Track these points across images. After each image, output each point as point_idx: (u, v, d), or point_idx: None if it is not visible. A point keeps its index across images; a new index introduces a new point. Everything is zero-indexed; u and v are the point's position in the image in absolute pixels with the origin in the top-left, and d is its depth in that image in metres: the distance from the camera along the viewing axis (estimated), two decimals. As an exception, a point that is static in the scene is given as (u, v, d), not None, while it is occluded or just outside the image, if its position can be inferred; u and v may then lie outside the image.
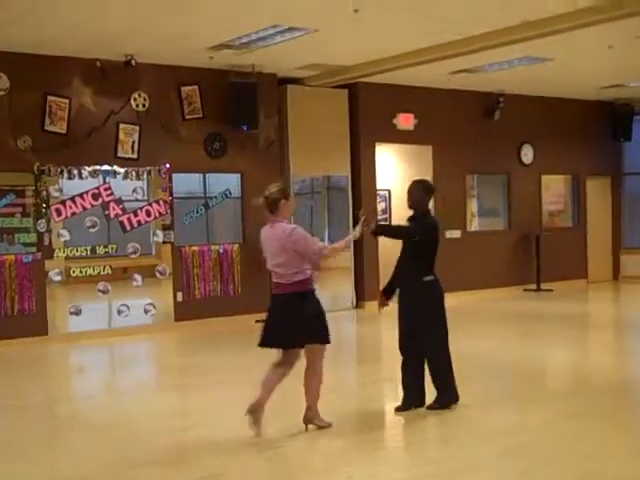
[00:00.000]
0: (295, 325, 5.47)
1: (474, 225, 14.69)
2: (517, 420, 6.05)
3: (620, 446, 5.37)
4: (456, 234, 14.02)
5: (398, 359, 6.36)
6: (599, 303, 14.35)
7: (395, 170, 14.06)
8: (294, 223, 12.13)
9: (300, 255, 5.47)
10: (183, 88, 11.28)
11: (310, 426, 5.72)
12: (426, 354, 6.15)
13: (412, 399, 6.22)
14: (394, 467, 5.15)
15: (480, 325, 11.21)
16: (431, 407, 6.14)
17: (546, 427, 5.83)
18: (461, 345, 9.44)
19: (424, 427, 5.96)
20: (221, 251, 11.69)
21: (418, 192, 6.18)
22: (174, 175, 11.22)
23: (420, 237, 6.01)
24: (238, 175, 11.91)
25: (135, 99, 10.86)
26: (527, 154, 15.08)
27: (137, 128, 10.87)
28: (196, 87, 11.35)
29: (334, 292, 12.37)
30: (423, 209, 6.17)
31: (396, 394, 6.38)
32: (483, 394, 7.02)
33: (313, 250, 5.50)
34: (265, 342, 5.66)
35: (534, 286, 14.77)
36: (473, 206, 14.74)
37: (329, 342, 5.61)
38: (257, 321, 11.55)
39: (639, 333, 10.80)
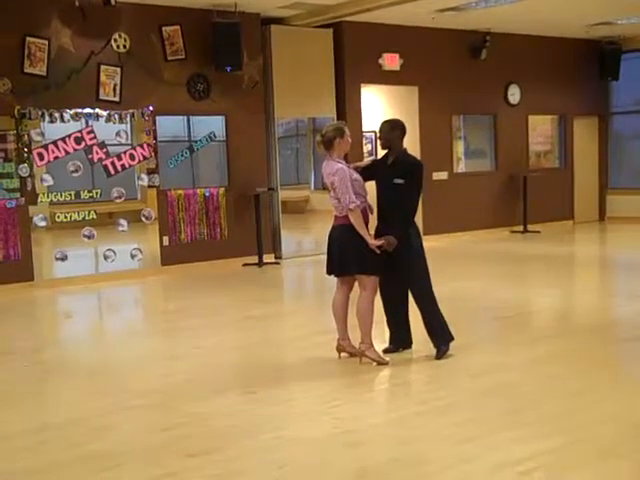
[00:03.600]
0: (344, 255, 5.87)
1: (460, 166, 14.63)
2: (502, 361, 6.09)
3: (605, 385, 5.42)
4: (443, 176, 13.97)
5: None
6: (585, 244, 14.41)
7: (381, 112, 13.92)
8: (280, 164, 12.08)
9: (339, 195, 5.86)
10: (165, 28, 11.06)
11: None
12: (417, 298, 6.17)
13: (399, 340, 6.25)
14: (379, 409, 5.19)
15: (466, 267, 11.24)
16: (439, 356, 6.17)
17: (531, 367, 5.88)
18: (447, 287, 9.49)
19: (409, 370, 5.99)
20: (207, 194, 11.61)
21: (387, 131, 6.10)
22: (158, 118, 11.06)
23: (405, 179, 5.95)
24: (222, 117, 11.76)
25: (116, 40, 10.65)
26: (514, 94, 14.96)
27: (118, 70, 10.68)
28: (178, 27, 11.13)
29: (316, 236, 12.33)
30: (398, 148, 6.09)
31: (384, 336, 6.40)
32: (469, 336, 7.05)
33: (344, 199, 5.80)
34: (329, 270, 6.08)
35: (521, 227, 14.80)
36: (459, 147, 14.66)
37: (376, 274, 5.91)
38: (245, 264, 11.64)
39: (624, 273, 10.86)
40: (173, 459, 4.35)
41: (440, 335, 6.17)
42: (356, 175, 5.91)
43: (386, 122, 6.18)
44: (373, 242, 5.81)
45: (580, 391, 5.25)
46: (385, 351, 6.17)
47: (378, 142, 6.27)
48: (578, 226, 15.85)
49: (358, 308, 6.00)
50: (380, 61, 13.08)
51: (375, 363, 5.92)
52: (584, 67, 15.65)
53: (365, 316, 5.95)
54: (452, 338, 6.20)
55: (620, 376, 5.74)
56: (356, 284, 6.09)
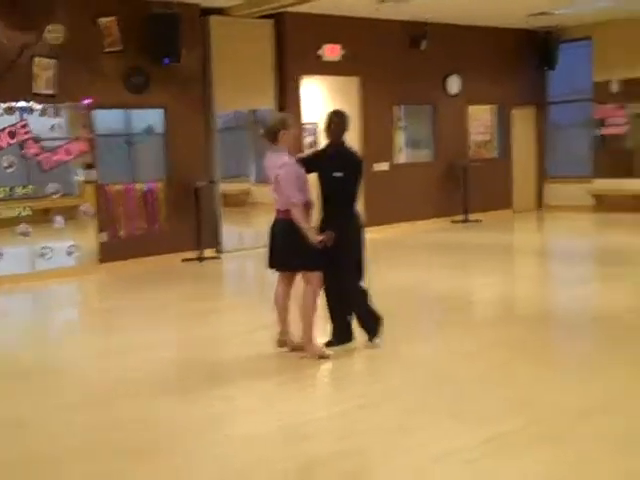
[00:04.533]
0: (286, 250, 5.85)
1: (401, 157, 14.68)
2: (445, 350, 6.12)
3: (546, 372, 5.48)
4: (384, 166, 14.00)
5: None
6: (524, 233, 14.61)
7: (322, 103, 13.87)
8: (220, 157, 11.93)
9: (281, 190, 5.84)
10: (101, 19, 10.81)
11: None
12: (345, 291, 6.13)
13: (340, 334, 6.21)
14: (322, 403, 5.16)
15: (408, 257, 11.30)
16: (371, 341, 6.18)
17: (474, 356, 5.92)
18: (389, 278, 9.54)
19: (351, 362, 5.97)
20: (146, 189, 11.42)
21: (338, 123, 6.05)
22: (95, 111, 10.83)
23: (344, 174, 5.91)
24: (161, 110, 11.58)
25: (50, 31, 10.36)
26: (453, 84, 15.05)
27: (53, 62, 10.40)
28: (114, 18, 10.88)
29: (258, 229, 12.22)
30: (339, 140, 6.05)
31: (326, 329, 6.37)
32: (411, 326, 7.09)
33: (287, 195, 5.74)
34: (271, 264, 6.04)
35: (462, 217, 14.92)
36: (400, 138, 14.70)
37: (319, 269, 5.87)
38: (184, 260, 11.49)
39: (562, 261, 11.02)
40: (113, 459, 4.26)
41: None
42: (301, 170, 5.84)
43: (336, 114, 6.12)
44: (315, 237, 5.75)
45: (523, 379, 5.30)
46: (327, 344, 6.13)
47: (324, 133, 6.14)
48: (517, 215, 16.05)
49: (301, 303, 5.96)
50: (320, 52, 13.02)
51: (316, 357, 5.88)
52: (522, 57, 15.83)
53: (308, 311, 5.92)
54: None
55: (561, 363, 5.81)
56: (298, 278, 6.05)
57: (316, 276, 5.89)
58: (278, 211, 5.91)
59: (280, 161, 5.80)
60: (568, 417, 4.55)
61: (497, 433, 4.30)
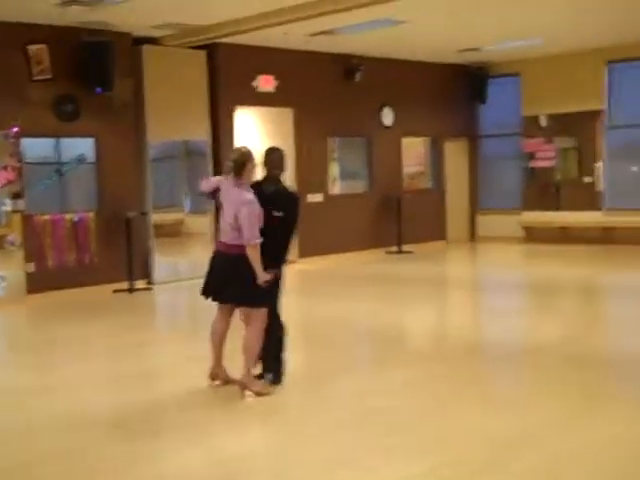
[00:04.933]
0: (235, 285, 5.73)
1: (336, 188, 14.74)
2: (378, 384, 6.10)
3: (477, 405, 5.49)
4: (318, 198, 14.04)
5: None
6: (457, 264, 14.79)
7: (256, 133, 13.88)
8: (153, 189, 11.81)
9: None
10: (30, 47, 10.62)
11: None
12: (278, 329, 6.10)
13: (277, 372, 6.09)
14: (255, 438, 5.07)
15: (341, 289, 11.28)
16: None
17: (407, 389, 5.91)
18: (321, 310, 9.52)
19: (285, 398, 5.87)
20: (76, 219, 11.20)
21: (279, 160, 6.01)
22: (24, 140, 10.60)
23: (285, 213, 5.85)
24: (92, 139, 11.41)
25: (-24, 58, 10.18)
26: (387, 116, 15.22)
27: (-20, 89, 10.20)
28: (44, 46, 10.71)
29: (192, 259, 12.11)
30: (279, 178, 6.00)
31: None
32: (343, 358, 7.05)
33: (248, 233, 5.65)
34: (207, 292, 5.94)
35: (396, 248, 15.01)
36: (335, 169, 14.77)
37: (266, 306, 5.81)
38: (115, 291, 11.28)
39: (493, 293, 11.16)
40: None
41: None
42: (260, 210, 5.72)
43: (276, 150, 6.05)
44: (264, 276, 5.67)
45: (453, 412, 5.31)
46: (257, 377, 6.03)
47: (260, 168, 5.98)
48: (450, 246, 16.24)
49: (246, 340, 5.81)
50: (254, 83, 13.04)
51: (260, 395, 5.77)
52: (454, 91, 16.11)
53: (253, 348, 5.81)
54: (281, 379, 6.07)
55: (491, 395, 5.84)
56: (236, 312, 5.95)
57: (262, 313, 5.80)
58: (225, 244, 5.79)
59: (243, 197, 5.69)
60: (497, 449, 4.56)
61: (428, 467, 4.29)
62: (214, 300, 5.96)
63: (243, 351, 5.82)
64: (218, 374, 6.03)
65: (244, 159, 5.77)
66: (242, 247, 5.66)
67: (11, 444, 5.04)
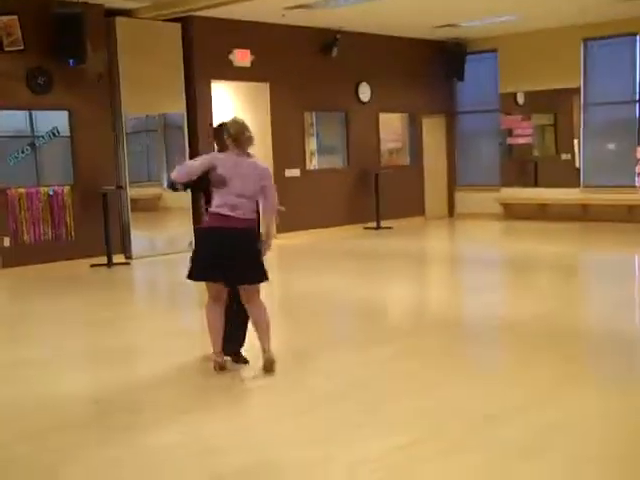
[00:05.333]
0: (247, 263, 5.45)
1: (313, 163, 14.67)
2: (357, 359, 6.06)
3: (456, 379, 5.48)
4: (295, 173, 13.96)
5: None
6: (435, 240, 14.79)
7: (232, 108, 13.74)
8: (130, 163, 11.68)
9: (257, 196, 5.54)
10: (0, 18, 10.42)
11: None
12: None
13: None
14: (232, 415, 5.01)
15: (320, 265, 11.24)
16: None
17: (386, 364, 5.88)
18: (300, 285, 9.48)
19: (262, 374, 5.80)
20: (51, 193, 11.06)
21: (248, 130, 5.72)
22: (-4, 113, 10.44)
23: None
24: (66, 112, 11.23)
25: (-54, 28, 9.97)
26: (364, 92, 15.13)
27: (-51, 61, 10.01)
28: (15, 17, 10.50)
29: (170, 234, 12.03)
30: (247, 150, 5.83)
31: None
32: (323, 334, 7.02)
33: (273, 200, 5.59)
34: (203, 274, 5.52)
35: (374, 224, 14.99)
36: (312, 144, 14.69)
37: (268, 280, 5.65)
38: (93, 265, 11.17)
39: (471, 267, 11.17)
40: (18, 476, 4.04)
41: None
42: None
43: (242, 122, 5.69)
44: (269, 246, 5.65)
45: (433, 387, 5.29)
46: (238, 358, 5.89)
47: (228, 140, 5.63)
48: (429, 222, 16.25)
49: (261, 316, 5.60)
50: (231, 57, 12.89)
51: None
52: (432, 67, 16.03)
53: (269, 322, 5.64)
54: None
55: (470, 370, 5.83)
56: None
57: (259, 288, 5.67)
58: (235, 219, 5.40)
59: (263, 166, 5.61)
60: (475, 423, 4.55)
61: (406, 441, 4.26)
62: (214, 281, 5.54)
63: (262, 328, 5.58)
64: (224, 363, 5.70)
65: (244, 129, 5.53)
66: (254, 221, 5.53)
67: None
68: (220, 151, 5.73)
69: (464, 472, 3.91)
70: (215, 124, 6.02)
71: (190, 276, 5.55)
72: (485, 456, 4.08)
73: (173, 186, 5.64)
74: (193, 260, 5.53)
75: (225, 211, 5.40)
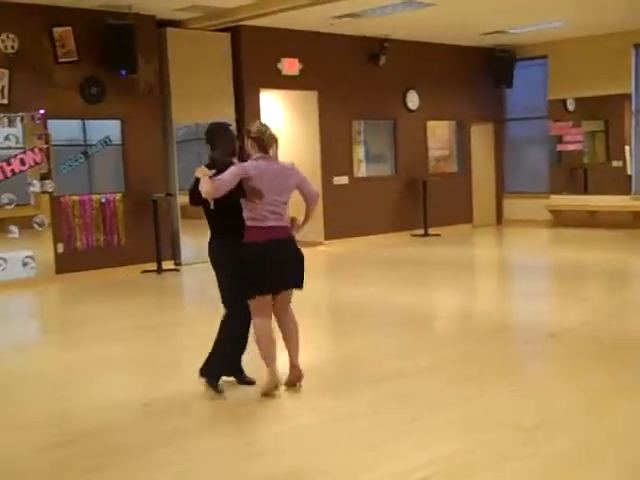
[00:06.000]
0: (296, 268, 5.38)
1: (361, 171, 14.71)
2: (404, 366, 6.06)
3: (503, 388, 5.45)
4: (343, 180, 14.01)
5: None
6: (483, 247, 14.71)
7: (281, 116, 13.88)
8: (180, 171, 11.79)
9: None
10: (55, 29, 10.69)
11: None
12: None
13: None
14: (280, 419, 5.08)
15: (367, 272, 11.27)
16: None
17: (432, 372, 5.87)
18: (347, 292, 9.52)
19: (309, 378, 5.85)
20: (103, 200, 11.29)
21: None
22: (52, 122, 10.67)
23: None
24: (118, 121, 11.46)
25: (3, 41, 10.23)
26: (413, 100, 15.14)
27: (7, 72, 10.25)
28: (70, 28, 10.78)
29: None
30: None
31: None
32: (370, 341, 7.04)
33: (310, 188, 5.46)
34: (269, 287, 5.28)
35: (421, 231, 14.97)
36: (360, 152, 14.74)
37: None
38: (144, 271, 11.35)
39: (520, 275, 11.10)
40: (65, 477, 4.15)
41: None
42: None
43: (262, 122, 5.55)
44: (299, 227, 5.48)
45: (479, 395, 5.27)
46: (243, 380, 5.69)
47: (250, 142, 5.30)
48: (477, 229, 16.16)
49: (295, 325, 5.48)
50: (279, 66, 13.02)
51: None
52: (480, 75, 15.97)
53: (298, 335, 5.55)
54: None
55: (517, 379, 5.80)
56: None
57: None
58: (283, 228, 5.26)
59: (290, 164, 5.40)
60: (521, 434, 4.53)
61: (452, 450, 4.26)
62: (276, 292, 5.36)
63: (295, 342, 5.46)
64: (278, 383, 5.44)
65: (266, 128, 5.32)
66: (290, 228, 5.35)
67: (47, 423, 5.09)
68: (241, 159, 5.48)
69: (510, 481, 3.90)
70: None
71: (253, 293, 5.26)
72: (535, 467, 4.05)
73: (199, 200, 5.18)
74: (252, 277, 5.21)
75: (272, 222, 5.20)
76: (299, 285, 5.42)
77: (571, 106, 15.72)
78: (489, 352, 6.47)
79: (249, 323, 5.43)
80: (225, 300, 5.46)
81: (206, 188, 5.02)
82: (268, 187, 5.16)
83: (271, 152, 5.26)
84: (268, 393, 5.28)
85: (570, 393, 5.27)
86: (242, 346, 5.56)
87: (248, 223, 5.23)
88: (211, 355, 5.50)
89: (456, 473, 4.01)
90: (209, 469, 4.20)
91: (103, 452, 4.48)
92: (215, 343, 5.49)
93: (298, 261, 5.37)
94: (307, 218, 5.49)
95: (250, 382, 5.56)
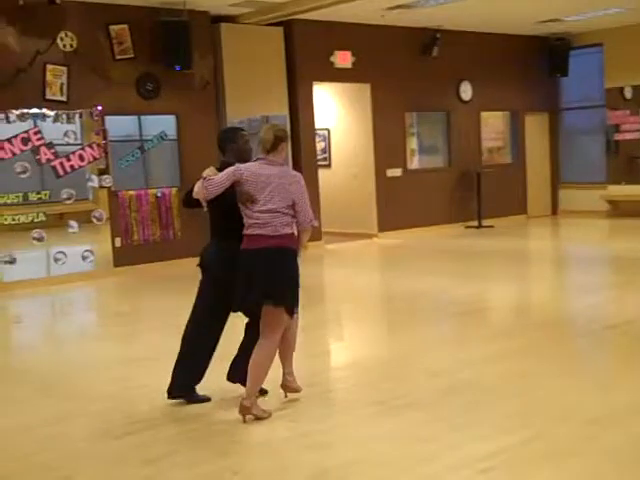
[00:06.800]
0: (274, 282, 4.79)
1: (414, 163, 14.66)
2: (461, 358, 6.05)
3: (562, 381, 5.42)
4: (397, 172, 13.98)
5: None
6: (539, 238, 14.54)
7: (334, 109, 13.90)
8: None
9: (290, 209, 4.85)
10: (112, 27, 10.87)
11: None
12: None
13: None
14: (337, 411, 5.11)
15: (422, 264, 11.24)
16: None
17: (490, 364, 5.85)
18: (402, 284, 9.51)
19: (367, 370, 5.88)
20: (159, 195, 11.45)
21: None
22: (108, 118, 10.86)
23: None
24: (173, 117, 11.61)
25: (62, 39, 10.43)
26: (466, 91, 15.03)
27: (65, 69, 10.46)
28: (126, 26, 10.94)
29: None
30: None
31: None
32: (424, 333, 7.04)
33: (305, 214, 4.87)
34: (242, 305, 4.95)
35: (475, 223, 14.87)
36: (413, 144, 14.68)
37: (295, 312, 4.98)
38: (199, 265, 11.44)
39: (577, 267, 10.96)
40: (127, 467, 4.24)
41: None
42: None
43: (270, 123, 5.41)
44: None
45: (538, 387, 5.24)
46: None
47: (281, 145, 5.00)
48: (531, 220, 15.99)
49: (261, 356, 4.85)
50: (332, 59, 13.04)
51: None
52: (534, 64, 15.77)
53: (267, 366, 4.91)
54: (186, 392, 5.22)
55: (576, 371, 5.75)
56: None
57: (288, 320, 4.95)
58: (265, 237, 4.77)
59: (292, 172, 5.00)
60: (580, 428, 4.49)
61: (512, 443, 4.25)
62: (246, 313, 5.06)
63: (253, 368, 4.84)
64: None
65: (283, 135, 4.97)
66: (288, 236, 4.84)
67: (107, 413, 5.19)
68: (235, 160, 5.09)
69: (573, 477, 3.87)
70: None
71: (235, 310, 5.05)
72: (596, 461, 4.02)
73: (191, 204, 5.13)
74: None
75: (254, 231, 4.80)
76: (270, 299, 4.77)
77: (628, 94, 15.42)
78: (547, 344, 6.42)
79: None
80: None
81: (197, 189, 4.92)
82: (260, 191, 4.80)
83: (272, 155, 4.89)
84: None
85: (631, 386, 5.20)
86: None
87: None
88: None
89: (518, 466, 4.00)
90: (267, 460, 4.25)
91: (165, 442, 4.56)
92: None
93: (270, 274, 4.77)
94: (299, 245, 4.98)
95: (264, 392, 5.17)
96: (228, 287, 4.92)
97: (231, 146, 5.26)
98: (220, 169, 5.02)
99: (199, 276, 5.30)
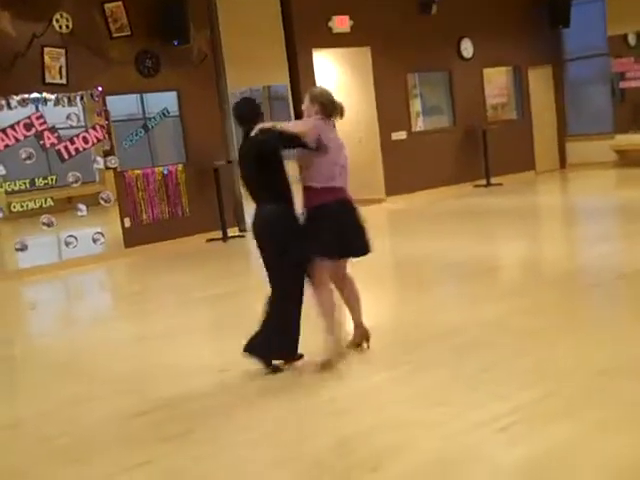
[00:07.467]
0: (362, 233, 5.23)
1: (419, 125, 14.55)
2: (473, 317, 6.05)
3: (574, 334, 5.42)
4: (402, 135, 13.90)
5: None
6: (548, 193, 14.47)
7: (335, 75, 13.79)
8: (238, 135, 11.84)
9: None
10: (107, 5, 10.77)
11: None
12: None
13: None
14: (353, 377, 5.12)
15: (431, 226, 11.21)
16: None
17: (503, 322, 5.85)
18: (412, 246, 9.50)
19: (377, 335, 5.85)
20: (165, 172, 11.43)
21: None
22: (109, 98, 10.81)
23: None
24: (174, 93, 11.55)
25: (57, 20, 10.36)
26: (467, 48, 14.87)
27: (63, 51, 10.40)
28: (120, 3, 10.84)
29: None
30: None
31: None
32: (436, 293, 7.05)
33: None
34: (346, 250, 5.20)
35: (484, 181, 14.79)
36: (417, 105, 14.57)
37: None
38: (209, 240, 11.50)
39: (586, 219, 10.91)
40: (147, 445, 4.27)
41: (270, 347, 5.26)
42: None
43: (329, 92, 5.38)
44: None
45: (552, 342, 5.24)
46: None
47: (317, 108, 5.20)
48: (540, 176, 15.90)
49: (355, 285, 5.39)
50: (330, 24, 12.91)
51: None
52: (534, 16, 15.57)
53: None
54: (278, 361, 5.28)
55: (588, 324, 5.74)
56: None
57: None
58: (342, 190, 5.15)
59: (342, 142, 5.30)
60: (595, 379, 4.49)
61: (529, 399, 4.26)
62: (351, 256, 5.29)
63: (359, 298, 5.40)
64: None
65: (340, 103, 5.24)
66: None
67: (125, 392, 5.24)
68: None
69: (592, 429, 3.88)
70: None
71: (332, 254, 5.14)
72: (613, 414, 4.02)
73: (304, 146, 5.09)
74: (324, 242, 5.06)
75: (336, 182, 5.10)
76: (368, 250, 5.22)
77: (632, 41, 15.22)
78: (559, 299, 6.41)
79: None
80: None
81: (300, 128, 5.12)
82: (333, 146, 5.10)
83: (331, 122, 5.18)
84: (330, 365, 5.11)
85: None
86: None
87: (312, 184, 5.10)
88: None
89: (537, 421, 4.01)
90: (290, 428, 4.28)
91: (184, 418, 4.59)
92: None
93: (360, 225, 5.20)
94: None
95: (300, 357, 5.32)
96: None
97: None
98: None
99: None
